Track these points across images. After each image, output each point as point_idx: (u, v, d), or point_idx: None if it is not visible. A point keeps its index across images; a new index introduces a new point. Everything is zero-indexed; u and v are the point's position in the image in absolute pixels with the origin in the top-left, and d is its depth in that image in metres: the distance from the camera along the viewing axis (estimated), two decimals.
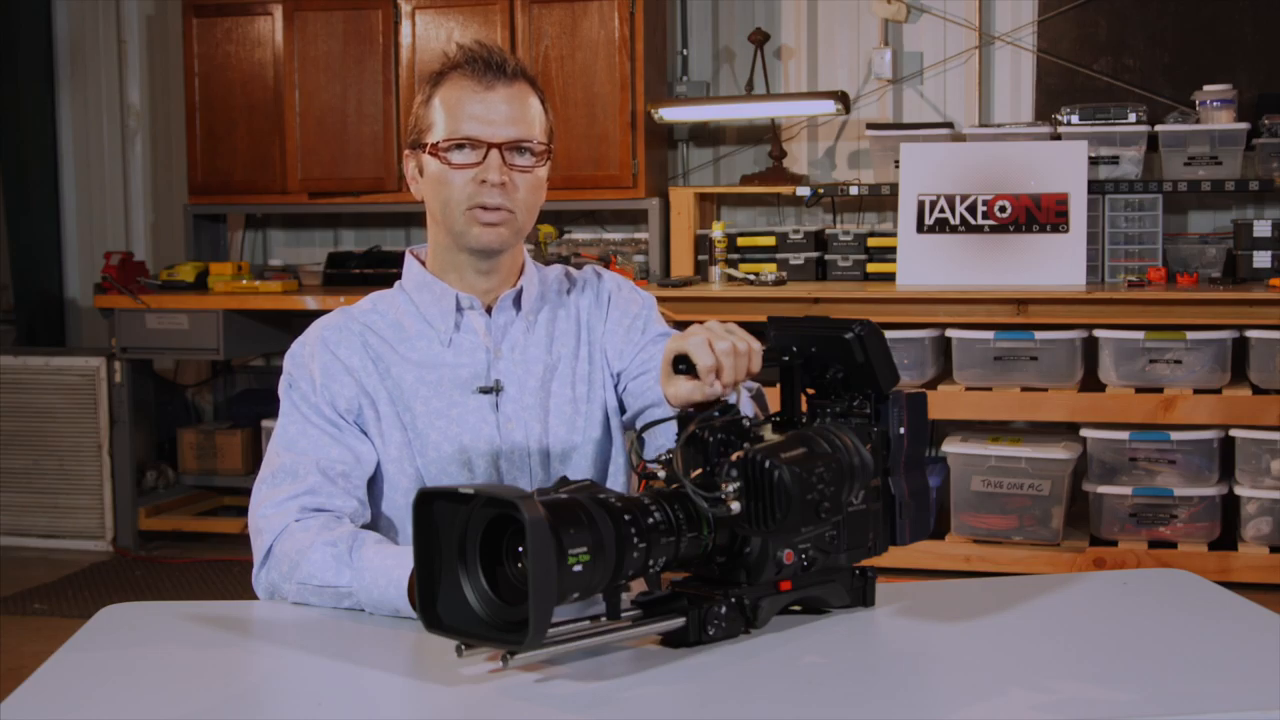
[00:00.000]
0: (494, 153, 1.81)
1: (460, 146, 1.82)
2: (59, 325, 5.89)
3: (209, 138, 5.31)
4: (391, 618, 1.61)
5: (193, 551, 5.13)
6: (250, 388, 5.75)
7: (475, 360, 1.88)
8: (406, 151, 1.91)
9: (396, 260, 5.22)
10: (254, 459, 5.36)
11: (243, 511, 5.43)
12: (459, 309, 1.89)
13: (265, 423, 5.27)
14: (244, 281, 5.14)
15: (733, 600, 1.47)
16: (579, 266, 2.06)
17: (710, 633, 1.45)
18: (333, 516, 1.76)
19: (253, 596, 1.76)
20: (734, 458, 1.43)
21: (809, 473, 1.42)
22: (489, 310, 1.90)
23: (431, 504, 1.37)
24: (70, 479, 5.23)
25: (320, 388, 1.84)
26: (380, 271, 5.25)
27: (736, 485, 1.42)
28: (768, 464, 1.40)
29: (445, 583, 1.37)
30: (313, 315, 6.35)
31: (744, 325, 1.61)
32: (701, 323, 1.60)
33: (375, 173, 5.18)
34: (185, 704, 1.36)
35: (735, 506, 1.42)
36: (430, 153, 1.84)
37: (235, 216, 5.73)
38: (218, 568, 4.92)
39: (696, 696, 1.35)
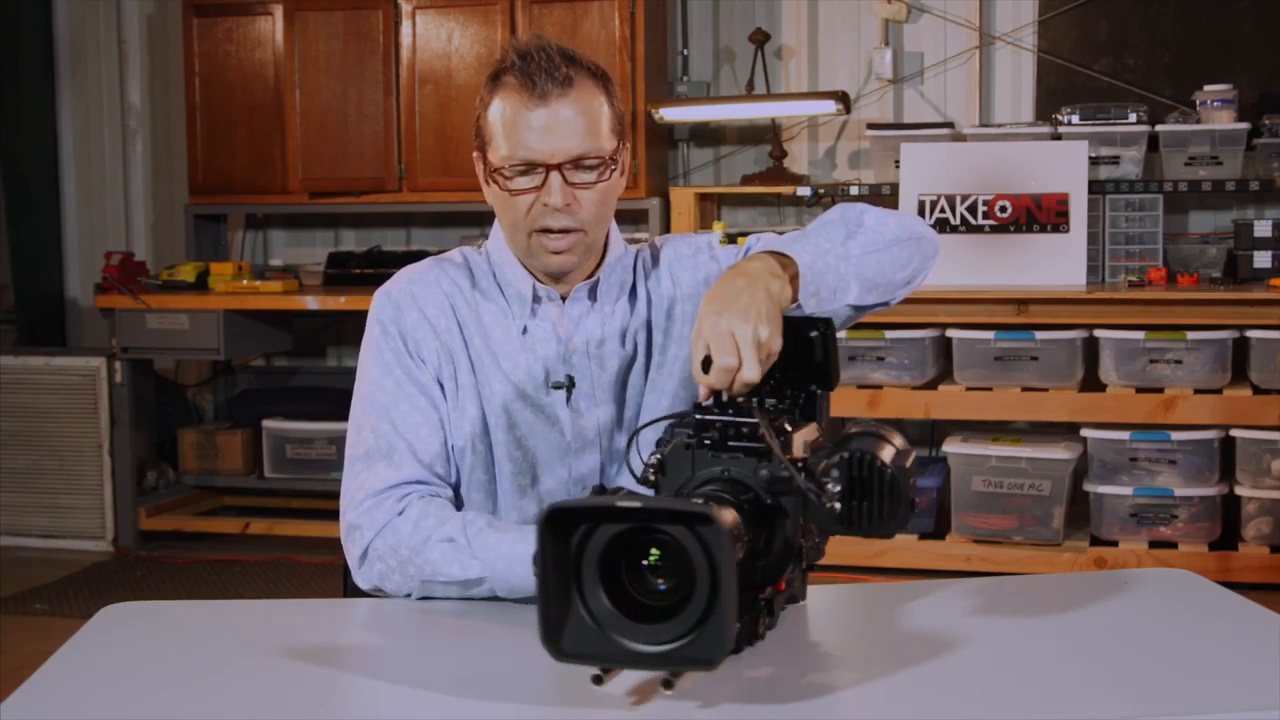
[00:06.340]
0: (554, 175, 1.72)
1: (520, 171, 1.74)
2: (59, 325, 5.89)
3: (209, 138, 5.31)
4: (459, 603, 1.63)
5: (193, 551, 5.13)
6: (250, 388, 5.74)
7: (548, 353, 1.82)
8: (475, 154, 1.83)
9: (397, 260, 5.21)
10: (254, 459, 5.35)
11: (242, 512, 5.43)
12: (535, 298, 1.83)
13: (266, 423, 5.27)
14: (244, 281, 5.14)
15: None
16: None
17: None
18: (429, 494, 1.75)
19: (253, 596, 1.76)
20: (835, 458, 1.42)
21: (907, 475, 1.42)
22: (564, 298, 1.84)
23: (562, 520, 1.28)
24: (70, 479, 5.22)
25: (411, 343, 1.80)
26: (381, 271, 5.23)
27: (838, 485, 1.41)
28: (878, 464, 1.40)
29: (565, 606, 1.29)
30: (313, 316, 6.25)
31: None
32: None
33: (375, 173, 5.17)
34: (185, 704, 1.36)
35: (837, 505, 1.41)
36: (492, 176, 1.76)
37: (235, 216, 5.73)
38: (218, 568, 4.92)
39: (697, 696, 1.35)
